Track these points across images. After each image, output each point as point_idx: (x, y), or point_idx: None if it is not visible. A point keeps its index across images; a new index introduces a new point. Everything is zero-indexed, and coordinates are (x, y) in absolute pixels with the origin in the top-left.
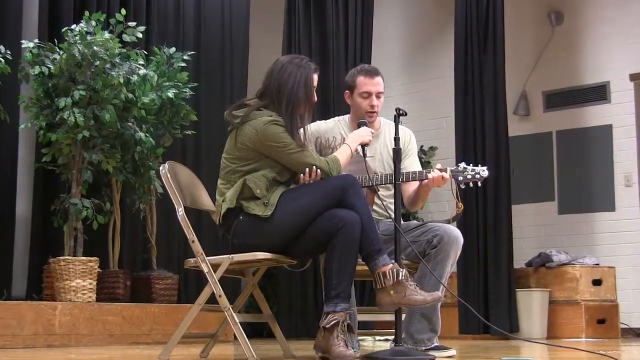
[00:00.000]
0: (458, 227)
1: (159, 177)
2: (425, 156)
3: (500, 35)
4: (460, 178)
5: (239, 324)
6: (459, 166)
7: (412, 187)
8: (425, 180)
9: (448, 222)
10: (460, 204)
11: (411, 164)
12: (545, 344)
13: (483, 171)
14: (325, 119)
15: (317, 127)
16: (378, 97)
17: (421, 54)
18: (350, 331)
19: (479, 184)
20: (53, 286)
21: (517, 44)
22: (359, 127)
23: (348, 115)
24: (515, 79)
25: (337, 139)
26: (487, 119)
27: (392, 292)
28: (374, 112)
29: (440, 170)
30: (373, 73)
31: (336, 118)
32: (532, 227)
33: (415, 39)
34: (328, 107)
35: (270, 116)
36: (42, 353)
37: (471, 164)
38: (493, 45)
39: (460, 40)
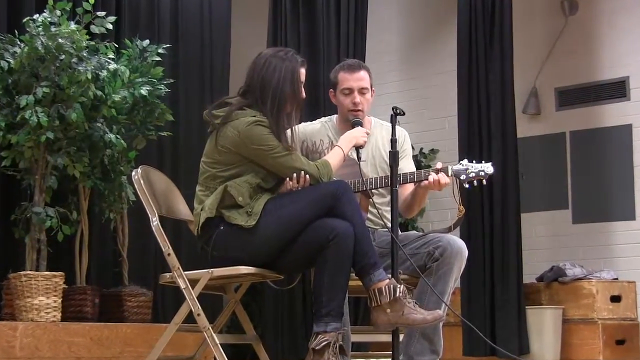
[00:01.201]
0: (461, 237)
1: (131, 184)
2: (426, 159)
3: (508, 25)
4: (463, 177)
5: (219, 345)
6: (461, 163)
7: (407, 190)
8: (425, 182)
9: (449, 229)
10: (462, 207)
11: (406, 165)
12: None
13: (488, 167)
14: (315, 120)
15: (302, 129)
16: (362, 93)
17: (420, 46)
18: (342, 353)
19: (484, 182)
20: (13, 304)
21: (526, 36)
22: (353, 127)
23: (335, 115)
24: (525, 74)
25: (325, 142)
26: (494, 119)
27: (388, 310)
28: (358, 110)
29: (440, 169)
30: (355, 67)
31: (322, 119)
32: (543, 237)
33: (413, 29)
34: (318, 106)
35: (254, 116)
36: None
37: (474, 161)
38: (500, 36)
39: (463, 31)
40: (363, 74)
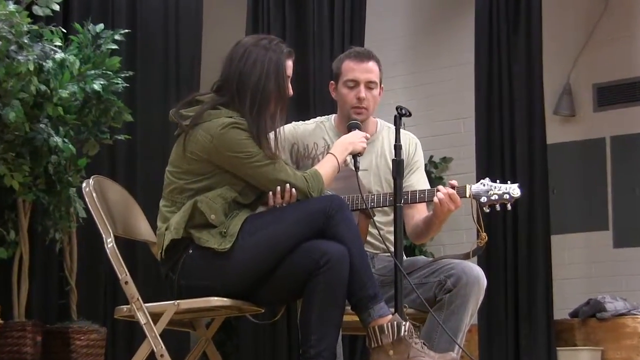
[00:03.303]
0: (479, 264)
1: (81, 197)
2: (437, 170)
3: (536, 9)
4: (484, 199)
5: None
6: (482, 183)
7: (418, 212)
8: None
9: (467, 256)
10: (484, 234)
11: (417, 181)
12: None
13: (514, 190)
14: (304, 120)
15: (292, 130)
16: (369, 88)
17: (431, 33)
18: None
19: (509, 206)
20: None
21: (558, 22)
22: (349, 130)
23: (334, 115)
24: (557, 68)
25: (320, 147)
26: (519, 121)
27: (391, 352)
28: (362, 107)
29: (453, 187)
30: (364, 56)
31: (319, 119)
32: (578, 264)
33: (423, 13)
34: (306, 105)
35: (230, 117)
36: None
37: (498, 181)
38: (527, 22)
39: (483, 16)
40: (372, 65)
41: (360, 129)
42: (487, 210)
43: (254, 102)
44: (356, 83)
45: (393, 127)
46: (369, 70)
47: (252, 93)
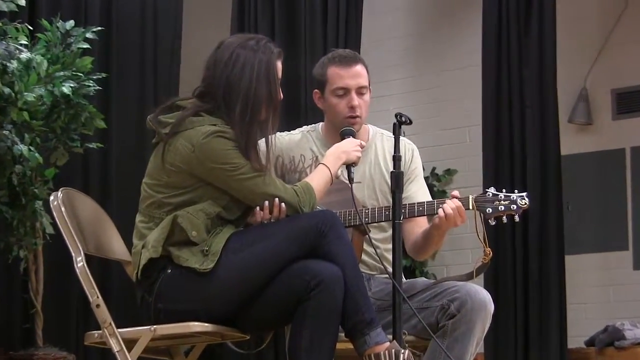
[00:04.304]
0: (486, 287)
1: (48, 211)
2: (440, 183)
3: (549, 7)
4: (489, 210)
5: None
6: (486, 193)
7: (418, 226)
8: (437, 218)
9: (470, 276)
10: (488, 249)
11: (416, 192)
12: None
13: (521, 199)
14: (291, 130)
15: (276, 142)
16: (360, 93)
17: (434, 34)
18: None
19: (517, 217)
20: None
21: (573, 22)
22: (342, 137)
23: (321, 123)
24: (572, 72)
25: (307, 159)
26: (530, 129)
27: None
28: (357, 116)
29: (455, 197)
30: (350, 60)
31: (305, 128)
32: (595, 288)
33: (425, 11)
34: (297, 113)
35: (214, 125)
36: None
37: (504, 190)
38: (539, 22)
39: (491, 15)
40: (361, 68)
41: (354, 136)
42: (493, 223)
43: (245, 109)
44: (346, 91)
45: (387, 134)
46: (358, 74)
47: (244, 100)
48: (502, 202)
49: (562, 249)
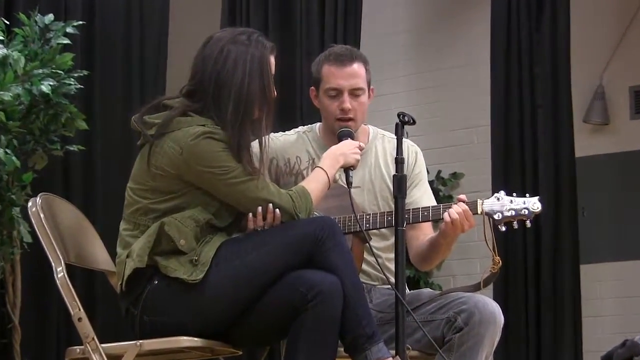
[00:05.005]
0: (495, 298)
1: (26, 219)
2: (445, 187)
3: (563, 0)
4: (499, 215)
5: None
6: (496, 197)
7: (422, 233)
8: (443, 225)
9: (478, 287)
10: (498, 258)
11: (420, 197)
12: None
13: (534, 204)
14: (285, 130)
15: (270, 143)
16: (354, 95)
17: (439, 29)
18: None
19: (529, 223)
20: None
21: (589, 15)
22: (339, 139)
23: (319, 123)
24: (587, 69)
25: (303, 161)
26: (542, 131)
27: None
28: (349, 118)
29: (462, 201)
30: (345, 58)
31: (301, 128)
32: (612, 299)
33: (430, 5)
34: (292, 113)
35: (203, 125)
36: None
37: (515, 194)
38: (552, 16)
39: (500, 9)
40: (357, 67)
41: (352, 138)
42: (503, 229)
43: (237, 108)
44: (338, 92)
45: (388, 135)
46: (353, 74)
47: (235, 98)
48: (513, 206)
49: (577, 257)
